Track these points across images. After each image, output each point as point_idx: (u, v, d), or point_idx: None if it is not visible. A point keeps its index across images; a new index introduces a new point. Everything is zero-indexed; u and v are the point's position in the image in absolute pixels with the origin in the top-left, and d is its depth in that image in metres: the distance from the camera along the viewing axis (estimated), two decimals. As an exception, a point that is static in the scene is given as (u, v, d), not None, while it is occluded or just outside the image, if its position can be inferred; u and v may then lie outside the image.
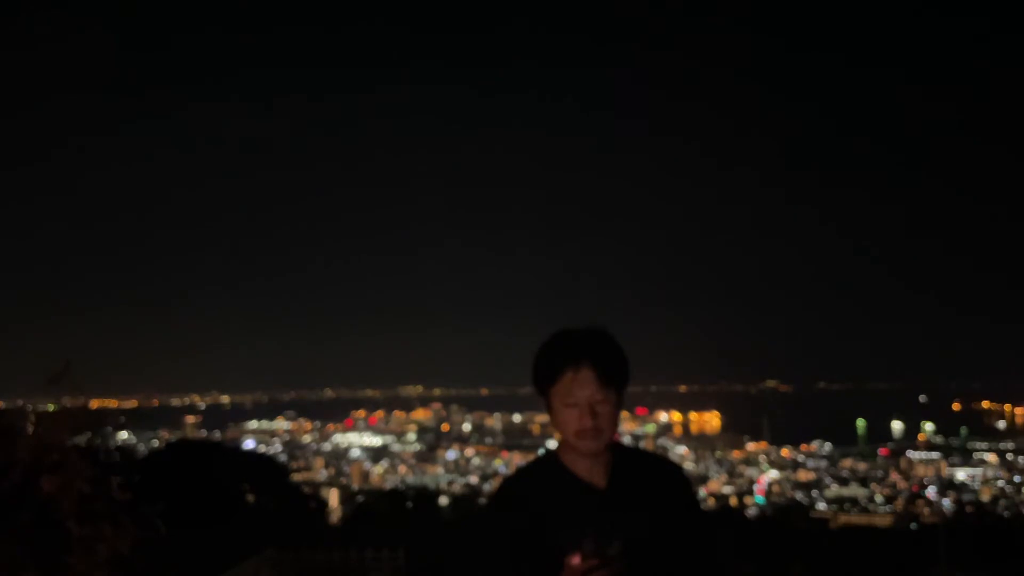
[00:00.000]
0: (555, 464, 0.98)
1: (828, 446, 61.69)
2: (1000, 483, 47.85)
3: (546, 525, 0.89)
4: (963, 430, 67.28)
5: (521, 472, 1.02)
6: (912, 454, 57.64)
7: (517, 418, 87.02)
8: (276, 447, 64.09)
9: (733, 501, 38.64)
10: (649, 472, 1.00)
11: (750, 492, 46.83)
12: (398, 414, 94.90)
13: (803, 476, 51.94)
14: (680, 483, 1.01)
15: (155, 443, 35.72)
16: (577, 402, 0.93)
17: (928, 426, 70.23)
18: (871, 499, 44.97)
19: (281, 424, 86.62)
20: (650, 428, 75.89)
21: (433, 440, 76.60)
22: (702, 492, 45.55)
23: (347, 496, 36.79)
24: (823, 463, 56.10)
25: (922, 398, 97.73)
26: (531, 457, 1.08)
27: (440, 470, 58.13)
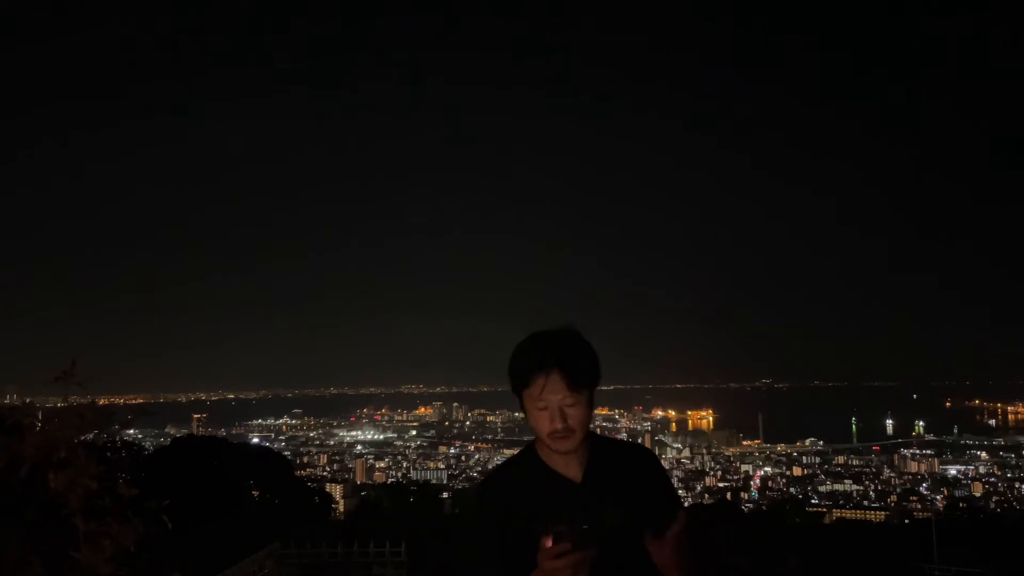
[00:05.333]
0: (533, 459, 1.02)
1: (822, 443, 61.30)
2: (992, 479, 47.65)
3: (526, 519, 0.91)
4: (955, 428, 66.90)
5: (500, 469, 1.05)
6: (905, 451, 57.19)
7: (518, 415, 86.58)
8: (281, 443, 64.02)
9: (729, 496, 38.37)
10: (624, 461, 1.03)
11: (746, 488, 46.60)
12: (400, 411, 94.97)
13: (797, 472, 51.58)
14: (654, 470, 1.04)
15: (162, 440, 35.95)
16: (548, 405, 0.96)
17: (921, 424, 69.72)
18: (865, 495, 44.86)
19: (286, 421, 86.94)
20: (647, 425, 75.62)
21: (435, 436, 76.75)
22: (698, 487, 45.30)
23: (351, 491, 36.99)
24: (817, 459, 55.61)
25: (915, 396, 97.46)
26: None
27: (442, 466, 58.34)
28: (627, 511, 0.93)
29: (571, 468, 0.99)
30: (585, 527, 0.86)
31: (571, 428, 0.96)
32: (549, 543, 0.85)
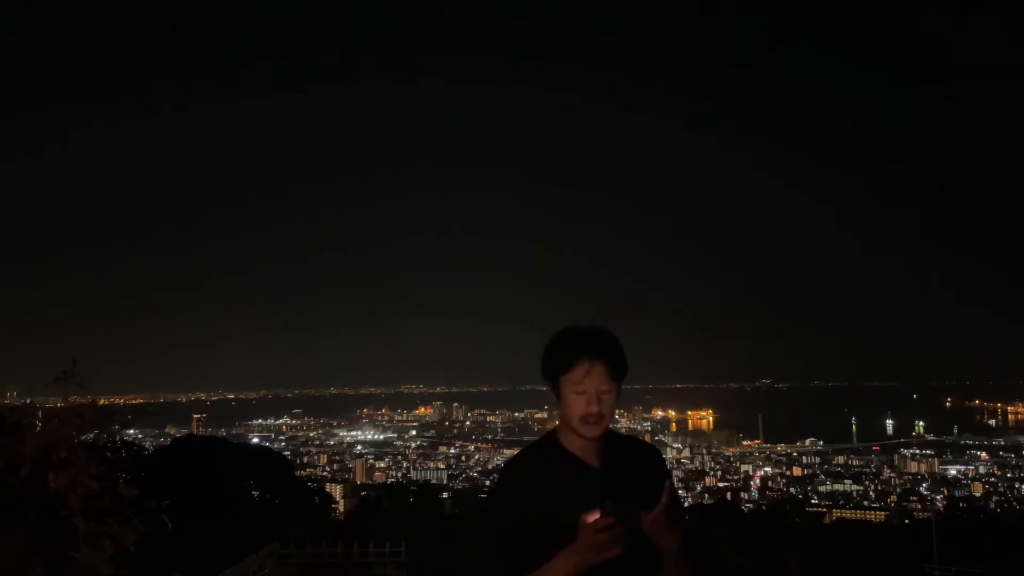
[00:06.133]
0: (554, 444, 1.10)
1: (822, 443, 61.47)
2: (992, 479, 47.71)
3: (549, 500, 1.01)
4: (955, 428, 67.05)
5: (524, 453, 1.13)
6: (905, 451, 57.29)
7: (518, 414, 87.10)
8: (281, 443, 63.94)
9: (729, 496, 38.37)
10: (633, 453, 1.14)
11: (746, 488, 46.67)
12: (400, 411, 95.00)
13: (797, 472, 51.71)
14: (658, 463, 1.16)
15: (162, 440, 36.02)
16: (586, 390, 1.06)
17: (921, 424, 69.76)
18: (865, 495, 44.92)
19: (286, 421, 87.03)
20: (647, 425, 75.65)
21: (435, 436, 76.73)
22: (698, 487, 45.19)
23: (351, 491, 37.06)
24: (817, 459, 55.74)
25: (915, 396, 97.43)
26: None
27: (442, 466, 58.35)
28: (639, 496, 1.02)
29: (589, 454, 1.08)
30: (627, 503, 0.95)
31: (602, 414, 1.05)
32: (593, 518, 0.92)
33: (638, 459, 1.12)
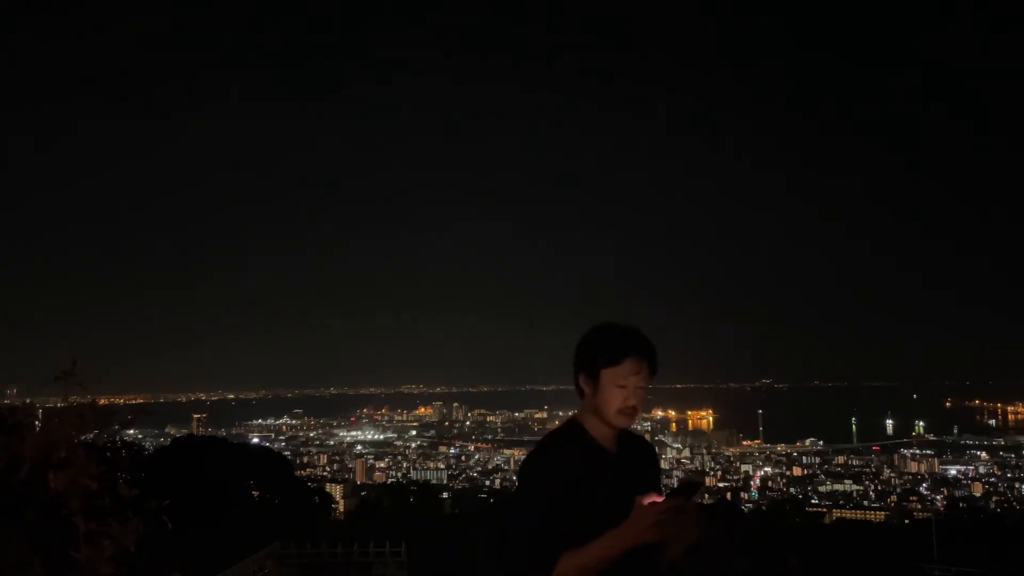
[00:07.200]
0: (580, 431, 1.19)
1: (822, 443, 61.64)
2: (992, 479, 47.84)
3: (580, 482, 1.09)
4: (955, 428, 67.24)
5: (554, 437, 1.21)
6: (905, 451, 57.54)
7: (518, 414, 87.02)
8: (281, 443, 63.76)
9: (729, 496, 38.24)
10: (636, 445, 1.26)
11: (746, 488, 46.74)
12: (400, 411, 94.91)
13: (797, 472, 51.94)
14: (654, 454, 1.31)
15: (162, 440, 36.05)
16: (628, 385, 1.15)
17: (921, 424, 70.03)
18: (865, 495, 45.03)
19: (286, 421, 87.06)
20: (647, 425, 75.87)
21: (435, 436, 76.69)
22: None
23: (351, 491, 37.10)
24: (817, 459, 55.95)
25: (915, 396, 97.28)
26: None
27: (442, 466, 58.39)
28: (647, 482, 1.14)
29: (609, 443, 1.19)
30: (696, 481, 1.04)
31: (637, 409, 1.16)
32: (652, 500, 1.00)
33: (639, 451, 1.24)
